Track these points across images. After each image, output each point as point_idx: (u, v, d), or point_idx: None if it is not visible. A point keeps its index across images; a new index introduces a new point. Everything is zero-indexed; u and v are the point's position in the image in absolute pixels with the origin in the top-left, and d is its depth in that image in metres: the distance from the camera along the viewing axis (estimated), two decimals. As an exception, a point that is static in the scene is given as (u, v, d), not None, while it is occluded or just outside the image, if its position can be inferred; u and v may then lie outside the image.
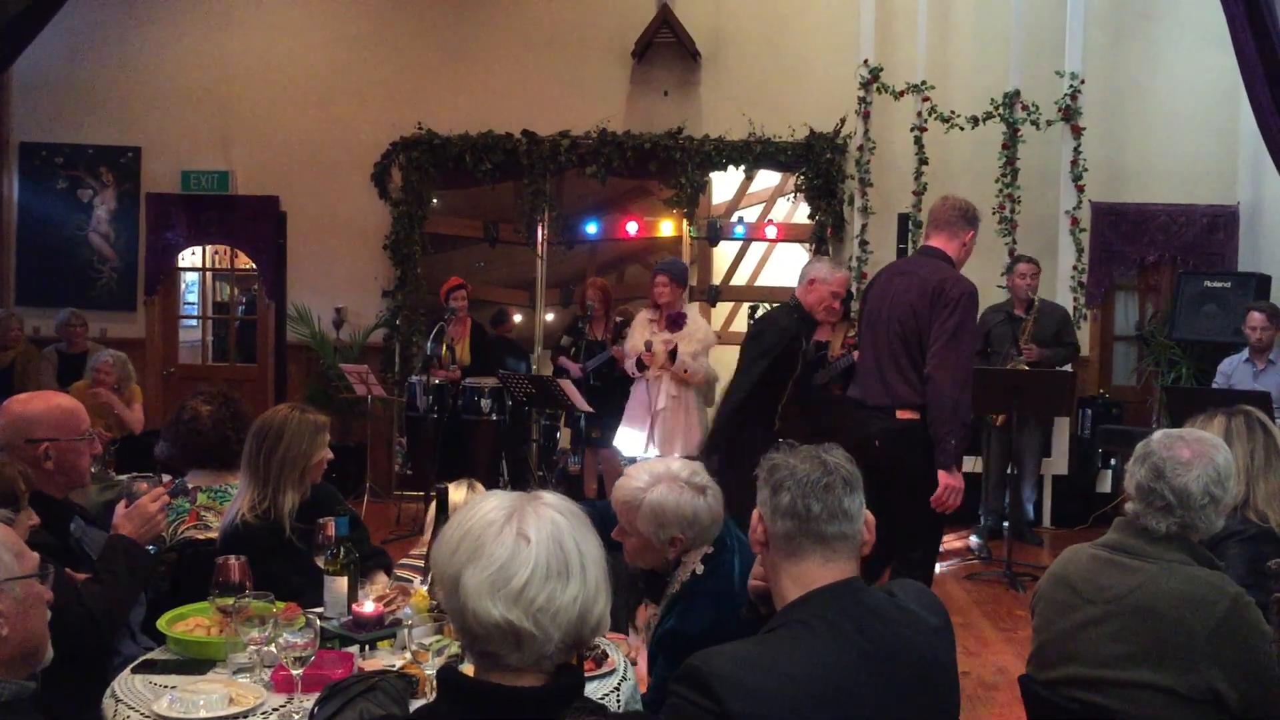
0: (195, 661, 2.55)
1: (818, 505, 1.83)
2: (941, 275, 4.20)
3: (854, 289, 7.25)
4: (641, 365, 6.67)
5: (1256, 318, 6.30)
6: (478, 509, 1.55)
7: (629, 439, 6.73)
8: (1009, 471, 6.94)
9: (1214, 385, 6.36)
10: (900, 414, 4.22)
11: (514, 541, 1.49)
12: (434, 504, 3.22)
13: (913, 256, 4.43)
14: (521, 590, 1.47)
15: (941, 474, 4.07)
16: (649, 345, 6.59)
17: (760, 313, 7.01)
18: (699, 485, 2.62)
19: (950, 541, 7.41)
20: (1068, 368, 7.17)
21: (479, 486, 3.18)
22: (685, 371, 6.55)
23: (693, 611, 2.58)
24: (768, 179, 9.47)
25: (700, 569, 2.61)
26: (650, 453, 6.47)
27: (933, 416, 4.10)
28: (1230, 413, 2.97)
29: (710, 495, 2.64)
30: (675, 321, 6.73)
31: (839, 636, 1.77)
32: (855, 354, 5.25)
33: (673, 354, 6.59)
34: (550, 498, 1.58)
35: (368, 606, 2.71)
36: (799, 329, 5.15)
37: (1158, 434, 2.47)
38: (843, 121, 8.27)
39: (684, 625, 2.57)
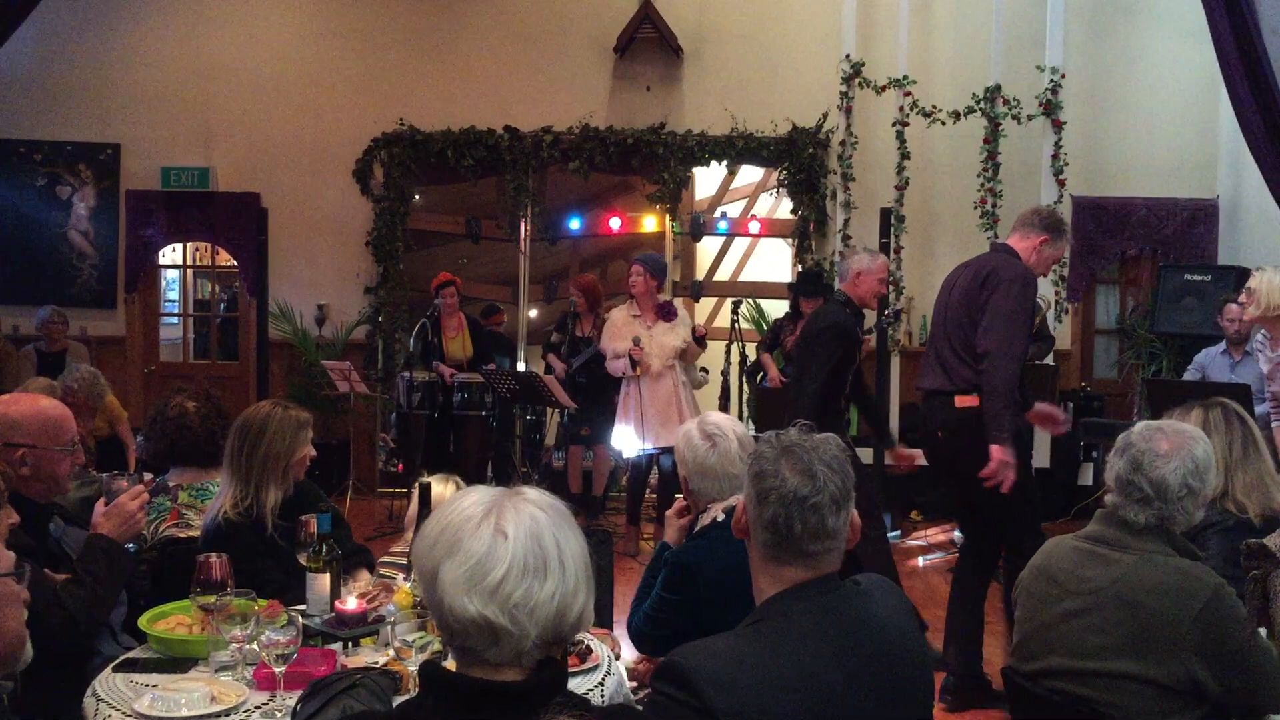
0: (177, 660, 2.54)
1: (800, 525, 1.79)
2: (996, 262, 4.30)
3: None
4: (634, 363, 6.62)
5: (1233, 309, 6.30)
6: (458, 504, 1.55)
7: (665, 437, 6.50)
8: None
9: (1186, 377, 6.38)
10: (959, 401, 4.26)
11: (491, 537, 1.49)
12: (414, 499, 3.21)
13: (984, 253, 4.55)
14: (498, 586, 1.46)
15: (994, 448, 4.05)
16: (637, 341, 6.57)
17: (741, 306, 7.02)
18: (709, 434, 2.84)
19: (934, 535, 7.45)
20: (1049, 360, 7.20)
21: (459, 482, 3.18)
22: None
23: (701, 545, 2.76)
24: (750, 174, 9.49)
25: (721, 517, 2.76)
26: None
27: (987, 391, 4.13)
28: (1208, 405, 2.99)
29: (718, 449, 2.80)
30: (666, 310, 6.74)
31: (817, 631, 1.77)
32: None
33: (701, 340, 6.84)
34: (532, 494, 1.57)
35: (350, 604, 2.70)
36: (855, 323, 5.22)
37: (1137, 426, 2.48)
38: (825, 116, 8.29)
39: (683, 553, 2.78)
